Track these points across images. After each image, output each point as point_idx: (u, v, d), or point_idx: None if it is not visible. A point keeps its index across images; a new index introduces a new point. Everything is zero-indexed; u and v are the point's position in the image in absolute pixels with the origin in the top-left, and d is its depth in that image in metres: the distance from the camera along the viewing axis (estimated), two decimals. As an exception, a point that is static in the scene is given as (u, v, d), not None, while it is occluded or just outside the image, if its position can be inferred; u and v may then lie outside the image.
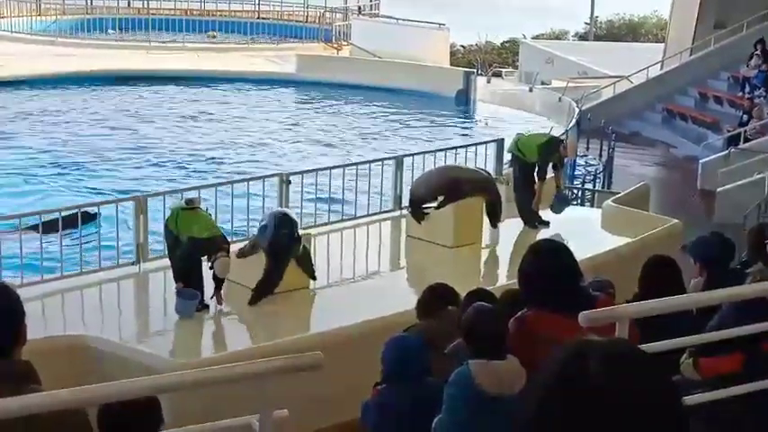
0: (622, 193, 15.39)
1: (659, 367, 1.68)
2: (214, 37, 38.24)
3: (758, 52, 26.50)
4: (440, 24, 36.12)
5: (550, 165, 13.63)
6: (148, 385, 3.81)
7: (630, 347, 1.69)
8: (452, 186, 12.83)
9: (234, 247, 11.49)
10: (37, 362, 3.42)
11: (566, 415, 1.60)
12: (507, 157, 14.98)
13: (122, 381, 3.78)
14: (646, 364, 1.65)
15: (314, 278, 11.11)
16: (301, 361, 4.06)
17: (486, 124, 27.14)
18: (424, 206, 12.99)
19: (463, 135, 25.87)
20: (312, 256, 11.21)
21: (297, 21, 41.45)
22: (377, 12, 41.36)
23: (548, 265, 4.94)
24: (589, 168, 22.95)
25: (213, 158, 21.71)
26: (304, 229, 11.60)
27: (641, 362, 1.65)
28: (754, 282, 5.56)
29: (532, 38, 52.38)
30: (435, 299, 6.51)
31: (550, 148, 13.59)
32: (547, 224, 13.60)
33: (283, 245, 10.62)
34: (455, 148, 16.22)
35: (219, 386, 5.51)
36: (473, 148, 15.82)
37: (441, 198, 12.88)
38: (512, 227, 13.94)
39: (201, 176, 18.76)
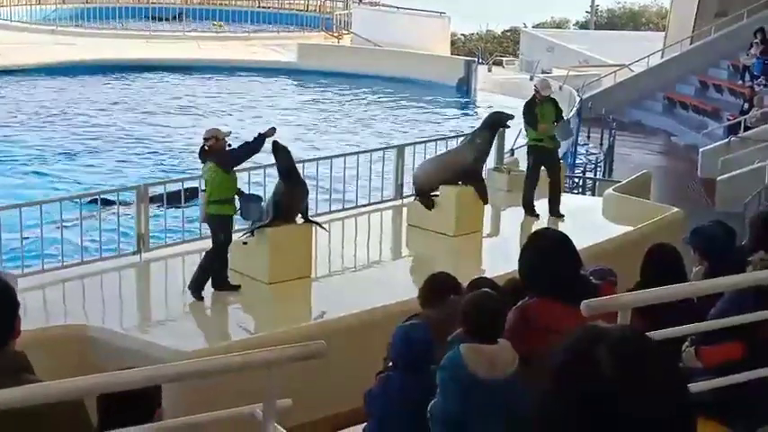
0: (623, 182, 15.39)
1: (668, 357, 1.67)
2: (220, 26, 38.18)
3: (758, 41, 26.43)
4: (440, 13, 36.07)
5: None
6: (151, 375, 3.81)
7: (639, 336, 1.68)
8: (470, 171, 12.92)
9: (235, 236, 11.51)
10: (38, 351, 3.43)
11: (573, 406, 1.59)
12: (508, 146, 14.97)
13: (126, 371, 3.77)
14: (655, 353, 1.64)
15: (324, 229, 11.46)
16: (305, 350, 4.06)
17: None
18: (431, 193, 13.04)
19: (464, 123, 25.85)
20: (313, 244, 11.24)
21: (297, 10, 41.39)
22: (377, 0, 41.31)
23: (549, 254, 4.94)
24: (590, 157, 22.96)
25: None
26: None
27: (650, 351, 1.64)
28: (755, 270, 5.55)
29: (533, 26, 52.32)
30: (438, 288, 6.50)
31: (526, 108, 13.72)
32: (537, 216, 13.63)
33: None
34: (456, 136, 16.21)
35: (221, 376, 5.51)
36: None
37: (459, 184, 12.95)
38: (513, 216, 13.95)
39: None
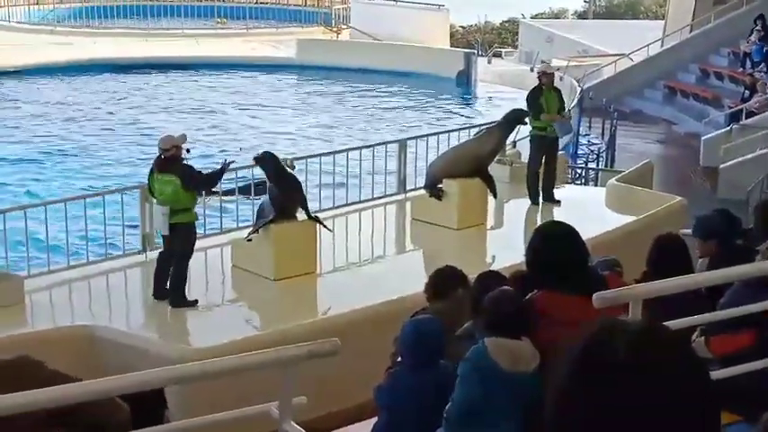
0: (626, 172, 15.39)
1: (688, 348, 1.65)
2: (224, 23, 38.15)
3: (758, 28, 26.39)
4: (439, 6, 36.04)
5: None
6: (169, 376, 3.80)
7: (658, 328, 1.66)
8: (484, 164, 12.96)
9: (240, 235, 11.53)
10: (45, 352, 3.43)
11: (589, 399, 1.57)
12: (511, 137, 14.96)
13: (143, 372, 3.76)
14: (675, 345, 1.63)
15: (329, 229, 11.61)
16: (320, 348, 4.05)
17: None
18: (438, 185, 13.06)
19: (465, 116, 25.84)
20: (318, 239, 11.24)
21: (296, 5, 41.35)
22: (375, -6, 41.22)
23: (557, 246, 4.93)
24: (592, 147, 22.92)
25: (216, 145, 21.69)
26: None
27: (670, 343, 1.62)
28: (764, 259, 5.55)
29: (531, 17, 52.22)
30: (444, 282, 6.48)
31: (530, 96, 13.81)
32: (538, 204, 13.66)
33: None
34: (458, 130, 16.20)
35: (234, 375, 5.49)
36: (476, 129, 15.76)
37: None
38: (516, 207, 13.95)
39: (205, 164, 18.71)
